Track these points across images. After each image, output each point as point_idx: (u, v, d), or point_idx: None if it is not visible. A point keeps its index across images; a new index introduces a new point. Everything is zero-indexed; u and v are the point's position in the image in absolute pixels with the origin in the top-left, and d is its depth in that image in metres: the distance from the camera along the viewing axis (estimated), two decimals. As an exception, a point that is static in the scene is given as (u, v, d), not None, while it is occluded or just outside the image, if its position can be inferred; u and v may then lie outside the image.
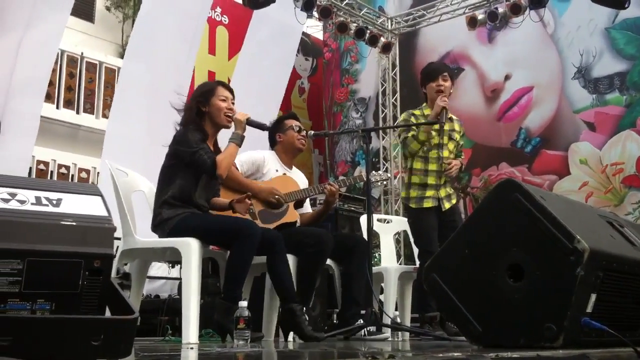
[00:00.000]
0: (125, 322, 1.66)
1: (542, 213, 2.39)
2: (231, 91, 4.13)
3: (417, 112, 4.82)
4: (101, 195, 1.78)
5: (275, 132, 4.72)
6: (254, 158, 4.54)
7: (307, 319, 3.87)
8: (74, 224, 1.65)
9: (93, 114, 11.68)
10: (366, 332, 4.14)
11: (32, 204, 1.63)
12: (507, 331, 2.41)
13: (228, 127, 4.08)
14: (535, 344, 2.29)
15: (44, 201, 1.65)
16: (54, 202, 1.66)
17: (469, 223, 2.70)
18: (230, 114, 4.01)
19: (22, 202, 1.62)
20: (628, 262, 2.55)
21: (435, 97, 4.70)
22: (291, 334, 3.99)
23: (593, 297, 2.39)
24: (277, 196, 4.37)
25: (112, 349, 1.60)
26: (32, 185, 1.70)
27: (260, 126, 4.07)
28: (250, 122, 4.03)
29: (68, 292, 1.64)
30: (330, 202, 4.59)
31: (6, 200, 1.60)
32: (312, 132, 4.73)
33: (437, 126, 4.67)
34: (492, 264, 2.47)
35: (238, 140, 3.98)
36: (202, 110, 4.00)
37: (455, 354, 1.84)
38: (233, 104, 4.08)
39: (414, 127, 4.69)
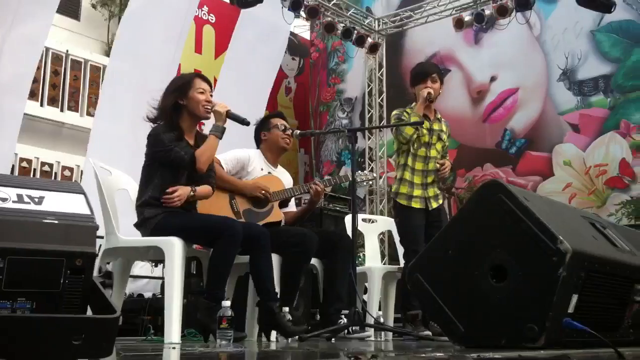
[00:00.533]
0: (106, 322, 1.64)
1: (526, 214, 2.40)
2: (209, 83, 4.10)
3: (408, 110, 4.82)
4: (84, 194, 1.77)
5: (260, 131, 4.71)
6: (239, 156, 4.52)
7: (288, 317, 3.85)
8: (56, 222, 1.64)
9: (77, 111, 11.58)
10: (350, 331, 4.14)
11: (14, 201, 1.61)
12: (490, 331, 2.41)
13: (207, 119, 4.06)
14: (517, 344, 2.30)
15: (26, 199, 1.63)
16: (36, 200, 1.65)
17: (453, 223, 2.71)
18: (208, 106, 3.98)
19: (3, 199, 1.61)
20: (610, 263, 2.56)
21: (424, 96, 4.72)
22: (274, 333, 3.97)
23: (575, 297, 2.40)
24: (263, 191, 4.36)
25: (93, 349, 1.59)
26: (14, 182, 1.68)
27: (240, 120, 4.02)
28: (230, 115, 4.00)
29: (49, 291, 1.62)
30: (314, 202, 4.60)
31: (-12, 198, 1.58)
32: (298, 131, 4.73)
33: (427, 125, 4.69)
34: (475, 264, 2.47)
35: (219, 132, 3.95)
36: (180, 103, 3.97)
37: (438, 354, 1.85)
38: (211, 95, 4.06)
39: (405, 115, 4.70)
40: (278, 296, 3.88)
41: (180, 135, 3.91)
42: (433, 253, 2.65)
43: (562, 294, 2.33)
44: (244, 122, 4.03)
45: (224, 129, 3.97)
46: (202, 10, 10.59)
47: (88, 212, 1.70)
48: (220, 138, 3.96)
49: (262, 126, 4.73)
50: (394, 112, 4.91)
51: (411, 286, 2.66)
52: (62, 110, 11.42)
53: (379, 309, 5.01)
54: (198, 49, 10.64)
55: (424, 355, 1.80)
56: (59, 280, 1.63)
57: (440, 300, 2.53)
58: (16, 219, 1.59)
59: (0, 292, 1.54)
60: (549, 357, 2.04)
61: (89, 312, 1.79)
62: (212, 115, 4.02)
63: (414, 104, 4.87)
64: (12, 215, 1.59)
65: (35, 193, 1.66)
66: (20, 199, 1.62)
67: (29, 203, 1.63)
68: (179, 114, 3.98)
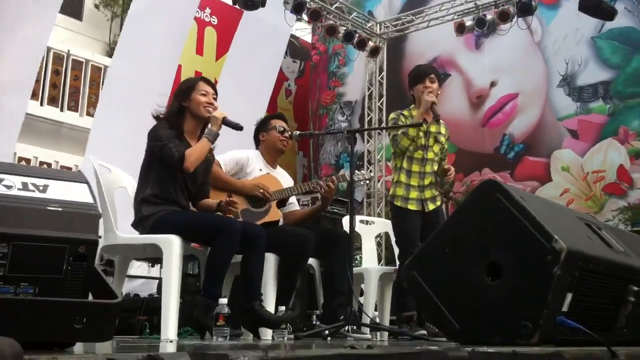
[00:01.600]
0: (108, 306, 1.66)
1: (522, 213, 2.42)
2: (213, 87, 4.14)
3: (405, 112, 4.84)
4: (87, 183, 1.79)
5: (259, 131, 4.73)
6: (238, 157, 4.54)
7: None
8: (60, 209, 1.66)
9: (77, 111, 11.62)
10: (346, 331, 4.14)
11: (19, 189, 1.64)
12: (484, 328, 2.43)
13: (209, 119, 4.09)
14: (511, 341, 2.31)
15: (31, 187, 1.66)
16: (41, 188, 1.67)
17: (450, 222, 2.73)
18: (210, 108, 4.02)
19: (8, 187, 1.63)
20: (604, 263, 2.58)
21: (421, 97, 4.74)
22: (268, 332, 3.96)
23: (569, 296, 2.42)
24: (261, 190, 4.37)
25: (95, 332, 1.61)
26: (19, 171, 1.71)
27: (235, 126, 4.03)
28: (226, 122, 4.02)
29: (52, 277, 1.64)
30: (327, 199, 4.60)
31: (-7, 185, 1.60)
32: (297, 132, 4.74)
33: (424, 127, 4.71)
34: (472, 263, 2.49)
35: (211, 136, 3.96)
36: (183, 105, 4.02)
37: (432, 347, 1.86)
38: (215, 99, 4.09)
39: (402, 119, 4.73)
40: (263, 297, 3.88)
41: (179, 134, 3.94)
42: (429, 251, 2.67)
43: (556, 292, 2.35)
44: (238, 127, 4.04)
45: (218, 134, 3.98)
46: (204, 12, 10.62)
47: (91, 200, 1.73)
48: (212, 142, 3.98)
49: (262, 127, 4.75)
50: (391, 116, 4.93)
51: (407, 283, 2.68)
52: (62, 110, 11.46)
53: (375, 310, 5.02)
54: (199, 50, 10.67)
55: (418, 347, 1.81)
56: (62, 266, 1.65)
57: (436, 298, 2.55)
58: (21, 206, 1.61)
59: (4, 276, 1.57)
60: (542, 353, 2.05)
61: (91, 298, 1.81)
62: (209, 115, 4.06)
63: (412, 106, 4.89)
64: (17, 202, 1.61)
65: (40, 181, 1.69)
66: (25, 186, 1.65)
67: (33, 191, 1.65)
68: (182, 117, 4.03)
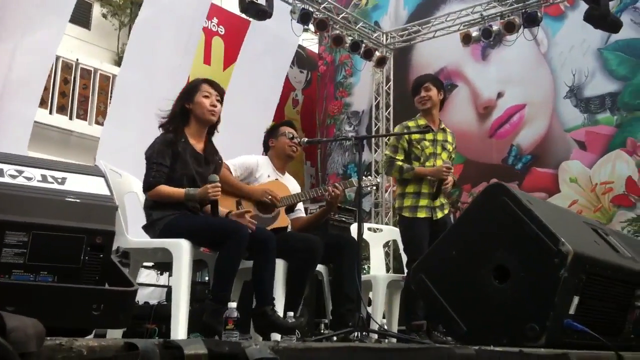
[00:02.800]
0: (124, 294, 1.70)
1: (529, 216, 2.44)
2: (217, 88, 4.16)
3: (411, 123, 4.88)
4: (104, 176, 1.83)
5: (269, 138, 4.77)
6: (248, 163, 4.58)
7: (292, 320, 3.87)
8: (78, 201, 1.70)
9: (86, 120, 11.68)
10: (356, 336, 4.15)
11: (38, 181, 1.68)
12: (492, 330, 2.45)
13: (212, 123, 4.12)
14: (518, 343, 2.33)
15: (50, 179, 1.70)
16: (59, 180, 1.71)
17: (457, 225, 2.75)
18: (213, 110, 4.05)
19: (28, 178, 1.67)
20: (611, 267, 2.60)
21: (419, 106, 4.83)
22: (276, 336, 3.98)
23: (576, 299, 2.43)
24: (270, 196, 4.40)
25: (111, 319, 1.65)
26: (38, 164, 1.75)
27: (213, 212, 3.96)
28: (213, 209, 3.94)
29: (70, 266, 1.68)
30: (332, 205, 4.61)
31: (14, 177, 1.65)
32: (306, 139, 4.78)
33: (430, 136, 4.75)
34: (479, 265, 2.51)
35: (189, 198, 3.88)
36: (187, 107, 4.05)
37: (440, 345, 1.88)
38: (219, 101, 4.12)
39: (400, 153, 4.76)
40: (275, 301, 3.90)
41: (176, 141, 3.97)
42: (437, 254, 2.69)
43: (563, 294, 2.37)
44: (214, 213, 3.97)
45: (195, 201, 3.93)
46: (211, 22, 10.68)
47: (108, 193, 1.77)
48: (185, 201, 3.90)
49: (271, 134, 4.79)
50: (397, 129, 5.00)
51: (415, 286, 2.70)
52: (71, 118, 11.52)
53: (383, 318, 5.03)
54: (207, 60, 10.72)
55: (427, 344, 1.83)
56: (80, 256, 1.69)
57: (444, 300, 2.57)
58: (40, 197, 1.65)
59: (24, 264, 1.60)
60: (549, 354, 2.07)
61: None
62: (216, 119, 4.09)
63: (418, 115, 4.94)
64: (37, 193, 1.66)
65: (58, 174, 1.73)
66: (44, 178, 1.69)
67: (52, 183, 1.69)
68: (187, 119, 4.06)
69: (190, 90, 4.10)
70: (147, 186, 3.88)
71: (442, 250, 2.67)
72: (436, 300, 2.58)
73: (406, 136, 4.77)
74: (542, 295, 2.36)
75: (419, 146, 4.80)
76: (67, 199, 1.68)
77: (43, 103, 10.46)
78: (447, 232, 2.76)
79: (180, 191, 3.87)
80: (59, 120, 11.26)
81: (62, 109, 11.34)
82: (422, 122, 4.83)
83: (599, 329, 2.47)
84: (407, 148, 4.78)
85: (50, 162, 1.79)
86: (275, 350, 1.27)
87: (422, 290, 2.63)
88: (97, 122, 11.40)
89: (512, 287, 2.43)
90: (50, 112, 11.12)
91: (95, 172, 1.82)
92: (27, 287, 1.57)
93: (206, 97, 4.05)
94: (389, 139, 5.01)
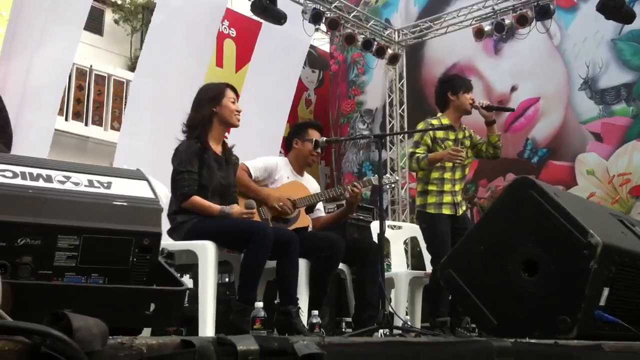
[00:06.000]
0: (175, 293, 1.74)
1: (556, 209, 2.45)
2: (237, 94, 4.28)
3: (435, 122, 4.89)
4: (147, 180, 1.86)
5: (295, 137, 4.76)
6: (267, 164, 4.59)
7: (317, 320, 3.89)
8: (125, 204, 1.74)
9: (101, 126, 11.75)
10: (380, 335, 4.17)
11: (86, 185, 1.72)
12: (522, 324, 2.46)
13: (237, 127, 4.22)
14: (549, 336, 2.33)
15: (96, 184, 1.73)
16: (105, 184, 1.75)
17: (485, 220, 2.76)
18: (239, 116, 4.16)
19: (76, 184, 1.71)
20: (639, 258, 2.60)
21: (467, 107, 4.83)
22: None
23: (606, 291, 2.44)
24: (281, 204, 4.40)
25: (163, 318, 1.69)
26: (84, 169, 1.79)
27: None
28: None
29: (119, 268, 1.72)
30: (352, 204, 4.63)
31: (62, 182, 1.68)
32: (324, 138, 4.78)
33: (452, 135, 4.78)
34: (507, 259, 2.52)
35: (223, 215, 3.93)
36: (214, 111, 4.10)
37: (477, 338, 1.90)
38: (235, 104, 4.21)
39: (422, 147, 4.76)
40: (298, 302, 3.93)
41: (202, 148, 4.01)
42: (465, 249, 2.70)
43: (593, 286, 2.37)
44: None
45: (228, 217, 3.97)
46: (223, 25, 10.70)
47: (153, 196, 1.80)
48: (216, 215, 3.94)
49: (298, 134, 4.77)
50: (421, 125, 4.99)
51: (444, 282, 2.71)
52: (86, 124, 11.59)
53: (406, 314, 5.04)
54: (219, 62, 10.75)
55: (465, 337, 1.84)
56: (129, 257, 1.73)
57: (473, 295, 2.58)
58: (89, 201, 1.69)
59: (76, 267, 1.64)
60: (582, 345, 2.08)
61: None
62: (240, 123, 4.15)
63: (439, 113, 4.94)
64: (86, 197, 1.69)
65: (104, 179, 1.77)
66: (91, 183, 1.73)
67: (99, 187, 1.73)
68: (210, 123, 4.09)
69: (218, 95, 4.15)
70: (182, 197, 3.93)
71: (470, 246, 2.68)
72: (466, 296, 2.59)
73: (430, 134, 4.78)
74: (572, 287, 2.36)
75: (443, 145, 4.81)
76: (114, 202, 1.72)
77: (59, 110, 10.53)
78: (474, 227, 2.77)
79: (215, 207, 3.93)
80: (75, 127, 11.33)
81: (77, 116, 11.41)
82: (445, 121, 4.84)
83: (629, 319, 2.48)
84: (430, 145, 4.78)
85: (94, 167, 1.82)
86: (321, 345, 1.29)
87: (452, 286, 2.65)
88: (113, 128, 11.47)
89: (541, 280, 2.44)
90: (66, 119, 11.19)
91: (139, 175, 1.86)
92: (81, 288, 1.60)
93: (232, 102, 4.13)
94: (413, 136, 5.00)
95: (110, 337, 1.13)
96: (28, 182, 1.60)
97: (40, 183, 1.62)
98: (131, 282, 1.72)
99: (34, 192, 1.59)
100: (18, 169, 1.61)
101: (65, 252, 1.62)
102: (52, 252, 1.60)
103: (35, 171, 1.64)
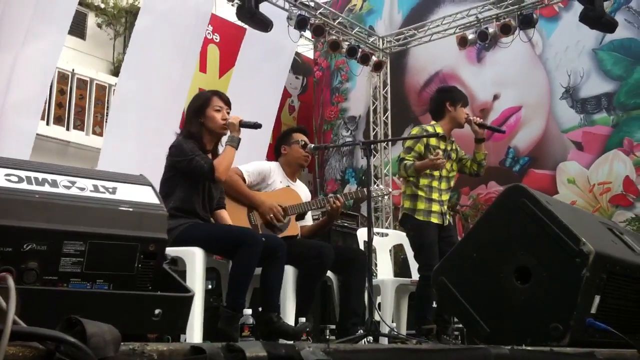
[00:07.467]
0: (181, 299, 1.73)
1: (549, 217, 2.47)
2: (226, 101, 4.20)
3: (429, 128, 4.91)
4: (151, 185, 1.86)
5: (281, 144, 4.77)
6: (261, 169, 4.58)
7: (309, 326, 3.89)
8: (131, 209, 1.73)
9: (83, 130, 11.66)
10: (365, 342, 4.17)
11: (91, 191, 1.71)
12: (515, 331, 2.47)
13: (225, 135, 4.16)
14: (542, 343, 2.36)
15: (101, 189, 1.72)
16: (110, 190, 1.74)
17: (477, 228, 2.77)
18: (225, 124, 4.08)
19: (81, 189, 1.70)
20: (630, 266, 2.63)
21: (462, 121, 4.87)
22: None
23: (597, 298, 2.46)
24: (272, 215, 4.40)
25: (169, 325, 1.68)
26: (89, 174, 1.78)
27: (253, 125, 4.09)
28: (244, 124, 4.07)
29: (124, 274, 1.71)
30: (332, 216, 4.65)
31: (68, 187, 1.67)
32: (313, 145, 4.79)
33: (443, 145, 4.81)
34: (500, 267, 2.54)
35: (235, 143, 4.02)
36: (200, 121, 4.07)
37: (472, 345, 1.91)
38: (228, 113, 4.15)
39: (412, 154, 4.78)
40: (285, 309, 3.93)
41: (202, 147, 4.00)
42: (458, 257, 2.72)
43: (585, 294, 2.40)
44: (257, 126, 4.10)
45: (239, 139, 4.05)
46: (207, 30, 10.71)
47: (157, 201, 1.79)
48: (236, 148, 4.04)
49: (284, 140, 4.79)
50: (416, 130, 5.02)
51: (436, 289, 2.72)
52: (68, 129, 11.49)
53: (392, 321, 5.05)
54: (202, 68, 10.75)
55: (463, 344, 1.86)
56: (134, 263, 1.72)
57: (466, 302, 2.59)
58: (95, 206, 1.68)
59: (81, 273, 1.63)
60: (576, 353, 2.10)
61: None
62: (227, 132, 4.12)
63: (433, 122, 4.96)
64: (92, 203, 1.68)
65: (109, 184, 1.76)
66: (96, 188, 1.71)
67: (104, 192, 1.72)
68: (200, 135, 4.08)
69: (202, 105, 4.12)
70: (209, 170, 3.89)
71: (462, 253, 2.70)
72: (458, 303, 2.60)
73: (424, 141, 4.80)
74: (564, 295, 2.39)
75: (435, 153, 4.83)
76: (120, 208, 1.71)
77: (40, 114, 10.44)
78: (466, 234, 2.78)
79: (227, 149, 4.03)
80: (57, 132, 11.22)
81: (59, 120, 11.32)
82: (439, 129, 4.86)
83: (620, 327, 2.50)
84: (422, 152, 4.80)
85: (99, 172, 1.82)
86: (327, 352, 1.30)
87: (444, 293, 2.66)
88: (95, 133, 11.39)
89: (534, 287, 2.46)
90: (48, 124, 11.08)
91: (143, 181, 1.85)
92: (86, 294, 1.60)
93: (217, 111, 4.08)
94: (402, 143, 5.03)
95: (122, 343, 1.13)
96: (34, 187, 1.60)
97: (46, 188, 1.61)
98: (136, 289, 1.71)
99: (41, 197, 1.58)
100: (24, 174, 1.60)
101: (70, 257, 1.62)
102: (57, 258, 1.60)
103: (40, 176, 1.63)
